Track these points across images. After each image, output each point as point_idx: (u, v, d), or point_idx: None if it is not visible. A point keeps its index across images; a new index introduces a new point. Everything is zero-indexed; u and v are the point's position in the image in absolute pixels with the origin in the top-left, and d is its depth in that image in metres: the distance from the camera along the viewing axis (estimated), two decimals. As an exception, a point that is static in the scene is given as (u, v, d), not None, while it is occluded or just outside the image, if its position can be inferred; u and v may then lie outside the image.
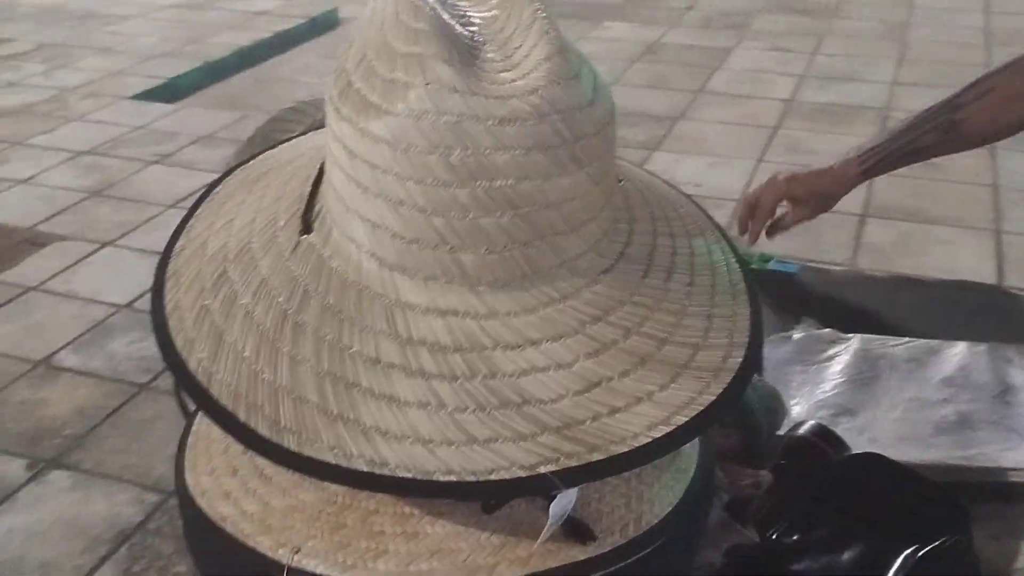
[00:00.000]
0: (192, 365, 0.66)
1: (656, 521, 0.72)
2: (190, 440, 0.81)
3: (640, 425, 0.64)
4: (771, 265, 1.49)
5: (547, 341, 0.65)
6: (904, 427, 1.08)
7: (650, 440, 0.63)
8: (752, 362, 0.71)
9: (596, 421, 0.63)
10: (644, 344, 0.67)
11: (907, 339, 1.21)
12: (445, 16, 0.66)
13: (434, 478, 0.60)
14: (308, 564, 0.67)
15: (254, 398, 0.64)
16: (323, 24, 5.44)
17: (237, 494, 0.73)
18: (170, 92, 4.39)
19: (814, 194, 1.34)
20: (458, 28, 0.67)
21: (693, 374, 0.67)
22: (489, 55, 0.66)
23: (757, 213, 1.37)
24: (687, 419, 0.65)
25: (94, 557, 1.97)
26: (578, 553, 0.68)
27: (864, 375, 1.16)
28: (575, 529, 0.68)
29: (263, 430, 0.62)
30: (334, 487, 0.70)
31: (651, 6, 5.78)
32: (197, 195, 0.83)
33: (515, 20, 0.68)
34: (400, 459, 0.61)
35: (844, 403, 1.12)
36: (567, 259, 0.67)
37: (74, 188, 3.46)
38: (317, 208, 0.72)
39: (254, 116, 4.15)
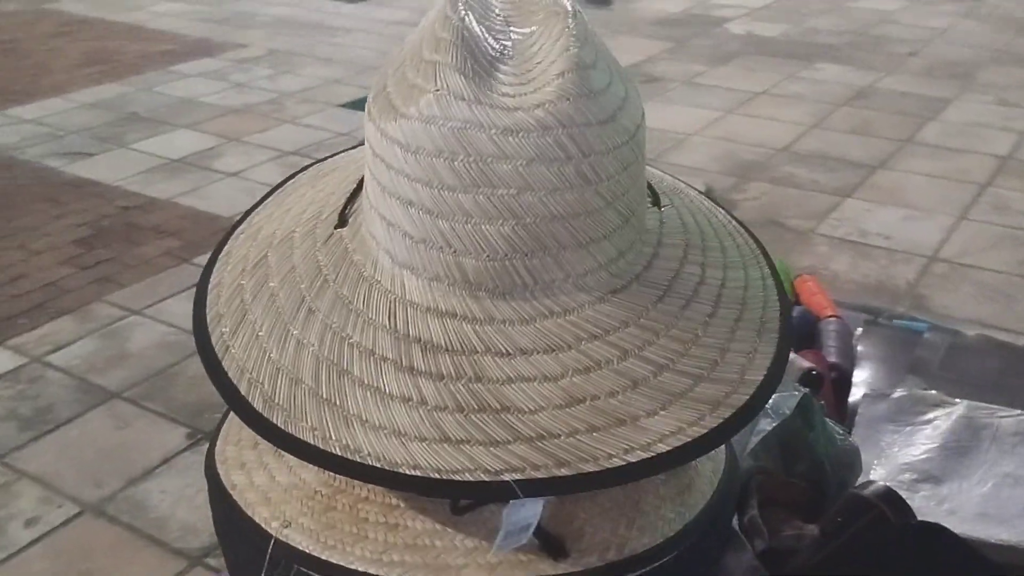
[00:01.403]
0: (214, 338, 0.71)
1: (641, 550, 0.70)
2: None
3: (617, 447, 0.63)
4: (899, 322, 1.41)
5: (538, 353, 0.66)
6: (990, 503, 1.00)
7: (624, 463, 0.63)
8: (760, 401, 0.69)
9: (571, 437, 0.63)
10: (639, 368, 0.67)
11: (1020, 412, 1.12)
12: (476, 29, 0.68)
13: (400, 471, 0.62)
14: (294, 539, 0.70)
15: (257, 374, 0.68)
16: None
17: (251, 465, 0.77)
18: (378, 103, 4.62)
19: None
20: (489, 41, 0.69)
21: (687, 404, 0.66)
22: (509, 68, 0.68)
23: None
24: (668, 448, 0.64)
25: (228, 526, 2.10)
26: (548, 568, 0.68)
27: (962, 444, 1.08)
28: (548, 543, 0.68)
29: (257, 404, 0.66)
30: None
31: (870, 50, 5.57)
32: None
33: (545, 36, 0.69)
34: (373, 448, 0.63)
35: (931, 469, 1.05)
36: (573, 274, 0.68)
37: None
38: (356, 204, 0.75)
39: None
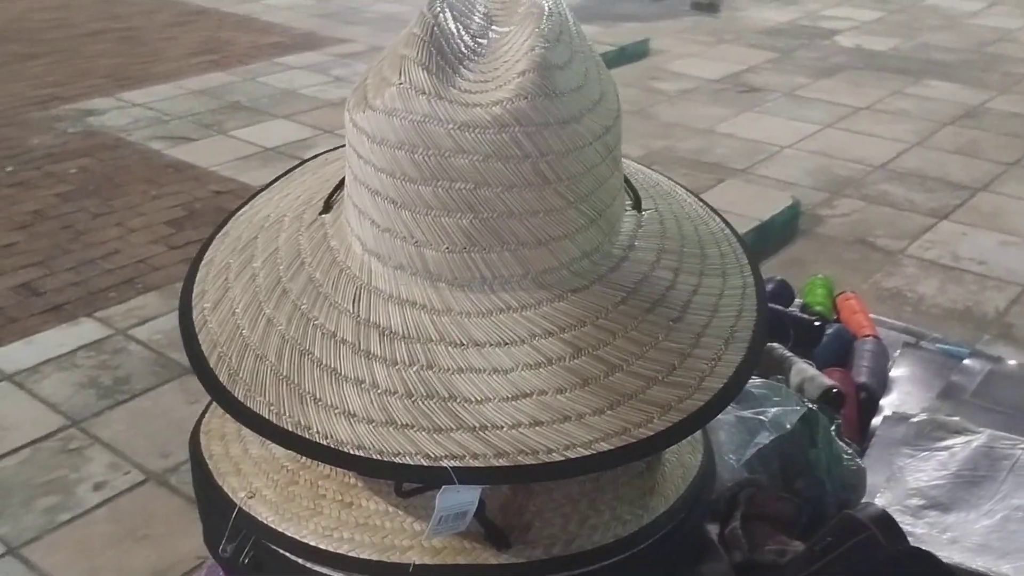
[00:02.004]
0: (195, 312, 0.75)
1: (589, 548, 0.71)
2: None
3: (557, 443, 0.64)
4: (941, 346, 1.37)
5: (491, 345, 0.67)
6: (995, 535, 0.97)
7: (563, 459, 0.63)
8: (714, 409, 0.69)
9: (514, 429, 0.64)
10: (591, 367, 0.67)
11: (1046, 444, 1.08)
12: (450, 26, 0.70)
13: (344, 449, 0.64)
14: (256, 509, 0.73)
15: (226, 349, 0.71)
16: (632, 54, 5.55)
17: (230, 437, 0.80)
18: (472, 102, 4.66)
19: None
20: (463, 39, 0.70)
21: (637, 406, 0.66)
22: (478, 66, 0.69)
23: None
24: (611, 448, 0.64)
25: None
26: (490, 557, 0.69)
27: (977, 473, 1.05)
28: (491, 532, 0.69)
29: (223, 378, 0.69)
30: None
31: (985, 68, 5.39)
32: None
33: (516, 36, 0.70)
34: (322, 427, 0.65)
35: (939, 496, 1.02)
36: (532, 271, 0.69)
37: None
38: (341, 192, 0.78)
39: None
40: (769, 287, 1.46)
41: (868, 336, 1.36)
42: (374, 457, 0.64)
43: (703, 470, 0.82)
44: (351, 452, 0.64)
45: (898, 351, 1.34)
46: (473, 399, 0.65)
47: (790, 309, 1.41)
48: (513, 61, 0.68)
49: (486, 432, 0.64)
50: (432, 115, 0.65)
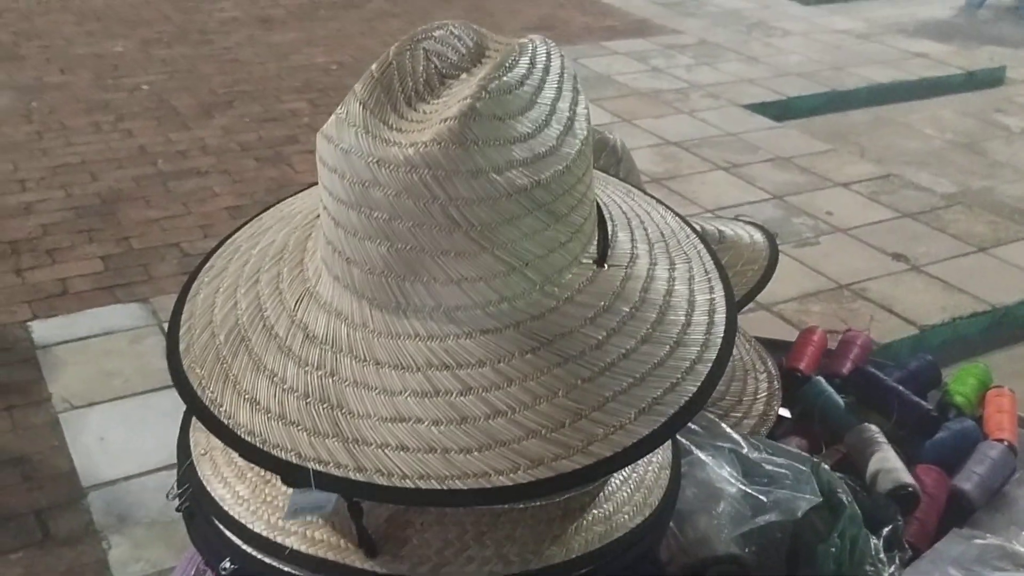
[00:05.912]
0: (196, 282, 0.85)
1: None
2: None
3: (414, 470, 0.67)
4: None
5: (389, 367, 0.71)
6: None
7: (413, 487, 0.67)
8: (595, 473, 0.68)
9: (380, 449, 0.68)
10: (475, 407, 0.69)
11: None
12: (414, 67, 0.74)
13: (239, 432, 0.71)
14: (202, 466, 0.82)
15: (197, 322, 0.80)
16: (982, 80, 5.10)
17: None
18: (782, 110, 4.52)
19: None
20: (431, 78, 0.73)
21: (505, 454, 0.68)
22: (426, 107, 0.72)
23: None
24: (463, 488, 0.67)
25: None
26: (357, 560, 0.73)
27: (1022, 621, 0.93)
28: (361, 538, 0.73)
29: (182, 347, 0.79)
30: None
31: None
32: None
33: (467, 81, 0.72)
34: (230, 408, 0.73)
35: (960, 634, 0.92)
36: (444, 306, 0.71)
37: (644, 171, 3.81)
38: None
39: (841, 151, 4.11)
40: (912, 365, 1.35)
41: (1000, 440, 1.21)
42: (257, 445, 0.70)
43: (634, 535, 0.80)
44: (243, 436, 0.71)
45: (1029, 467, 1.20)
46: (356, 413, 0.70)
47: (925, 394, 1.30)
48: (448, 107, 0.70)
49: (355, 445, 0.69)
50: (356, 147, 0.70)
